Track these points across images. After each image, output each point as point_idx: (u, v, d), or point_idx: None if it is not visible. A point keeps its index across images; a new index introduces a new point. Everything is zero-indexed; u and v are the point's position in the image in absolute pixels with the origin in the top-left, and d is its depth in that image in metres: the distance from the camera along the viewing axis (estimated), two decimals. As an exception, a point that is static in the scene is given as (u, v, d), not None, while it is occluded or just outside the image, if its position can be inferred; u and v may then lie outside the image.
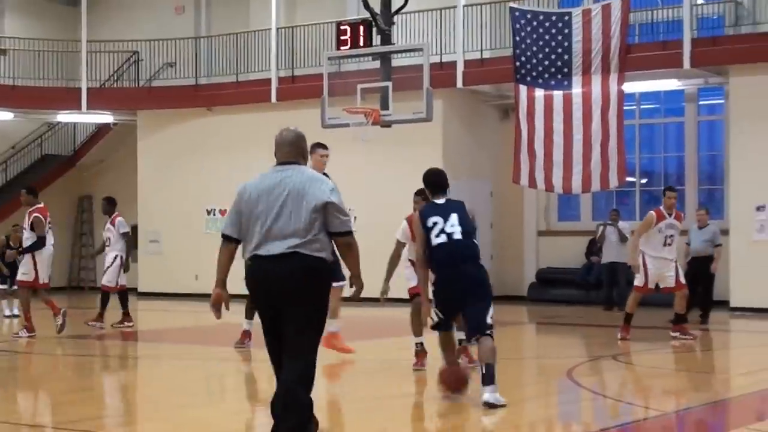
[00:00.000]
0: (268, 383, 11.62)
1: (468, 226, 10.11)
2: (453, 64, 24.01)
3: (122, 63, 30.06)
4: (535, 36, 22.35)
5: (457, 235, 9.91)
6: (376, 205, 24.25)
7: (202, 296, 24.43)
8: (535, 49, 22.38)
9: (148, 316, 18.98)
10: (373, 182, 24.78)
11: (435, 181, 10.44)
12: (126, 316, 18.16)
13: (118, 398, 10.94)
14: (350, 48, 19.71)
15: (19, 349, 15.42)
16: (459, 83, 24.02)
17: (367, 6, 19.31)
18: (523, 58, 22.50)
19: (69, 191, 32.17)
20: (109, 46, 29.60)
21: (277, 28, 26.83)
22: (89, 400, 10.60)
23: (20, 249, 16.74)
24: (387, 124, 19.83)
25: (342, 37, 19.94)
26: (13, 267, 20.30)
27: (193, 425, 9.15)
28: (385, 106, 19.05)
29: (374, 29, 19.46)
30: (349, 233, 7.31)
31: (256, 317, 13.74)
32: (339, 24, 20.32)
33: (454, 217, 10.01)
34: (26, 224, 16.60)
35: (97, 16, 30.56)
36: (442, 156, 24.47)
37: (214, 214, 27.63)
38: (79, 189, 32.69)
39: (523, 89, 22.61)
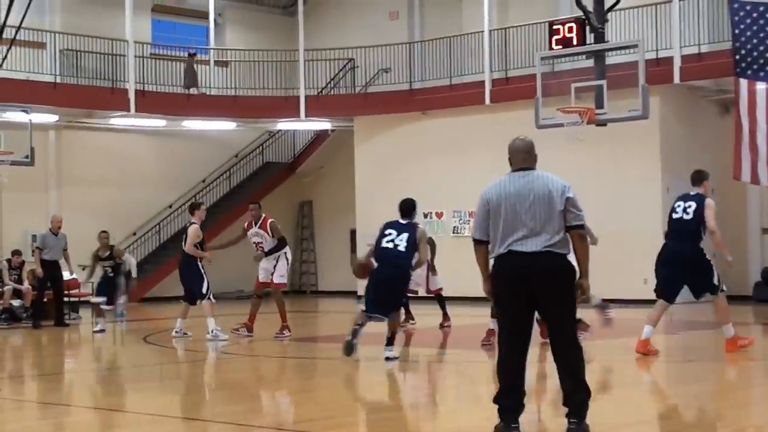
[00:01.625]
0: (486, 385, 11.66)
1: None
2: (669, 60, 23.52)
3: (338, 70, 30.67)
4: (755, 28, 21.70)
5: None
6: (593, 205, 23.95)
7: (422, 299, 24.71)
8: (755, 41, 21.72)
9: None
10: (589, 181, 24.50)
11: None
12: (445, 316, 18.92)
13: (338, 400, 11.15)
14: (563, 47, 19.60)
15: (242, 351, 15.91)
16: (676, 79, 23.51)
17: (579, 4, 19.18)
18: (743, 51, 21.87)
19: (289, 197, 33.03)
20: (325, 54, 30.25)
21: (490, 30, 26.86)
22: (308, 402, 10.84)
23: (267, 252, 17.38)
24: (602, 123, 19.63)
25: (555, 37, 19.87)
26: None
27: (411, 428, 9.26)
28: (600, 104, 18.87)
29: (587, 27, 19.31)
30: (583, 226, 7.96)
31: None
32: (551, 23, 20.24)
33: None
34: (263, 232, 17.49)
35: (312, 25, 31.28)
36: (659, 153, 24.04)
37: (431, 218, 27.85)
38: (300, 195, 33.51)
39: (743, 83, 21.98)
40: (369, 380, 13.16)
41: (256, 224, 17.61)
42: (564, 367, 7.89)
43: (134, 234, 30.26)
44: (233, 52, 31.31)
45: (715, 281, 13.25)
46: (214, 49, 31.06)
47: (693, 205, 13.21)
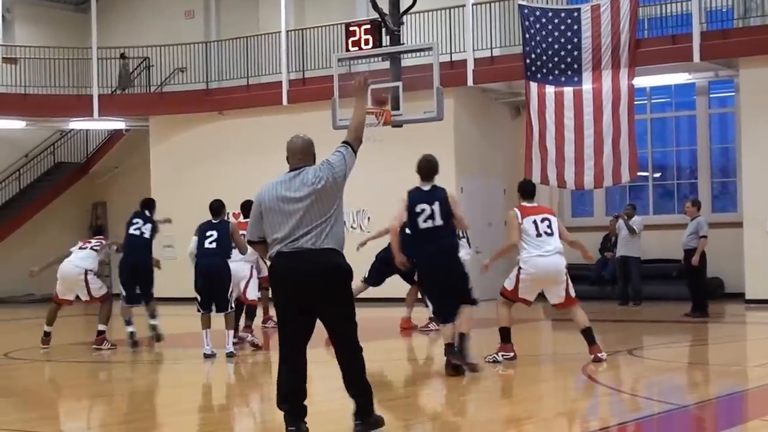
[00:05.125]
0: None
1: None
2: (463, 63, 24.01)
3: (133, 69, 30.14)
4: (544, 33, 22.36)
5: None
6: (389, 205, 24.20)
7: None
8: (544, 45, 22.38)
9: (163, 320, 18.94)
10: (386, 182, 24.77)
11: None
12: None
13: (134, 403, 10.97)
14: (360, 49, 19.73)
15: (39, 357, 15.47)
16: (470, 81, 24.02)
17: (375, 7, 19.33)
18: (533, 55, 22.51)
19: (82, 198, 32.26)
20: (119, 52, 29.64)
21: (287, 31, 26.87)
22: (103, 406, 10.63)
23: None
24: (398, 124, 19.85)
25: (351, 39, 19.97)
26: None
27: (215, 427, 9.20)
28: (395, 106, 19.06)
29: (383, 30, 19.48)
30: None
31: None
32: (348, 25, 20.34)
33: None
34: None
35: (107, 22, 30.64)
36: (454, 154, 24.47)
37: (228, 218, 27.61)
38: (93, 196, 32.77)
39: (533, 86, 22.62)
40: (164, 381, 12.99)
41: None
42: (347, 370, 7.83)
43: None
44: (23, 49, 30.37)
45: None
46: (2, 45, 30.06)
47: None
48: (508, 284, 12.90)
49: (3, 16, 30.13)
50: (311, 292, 7.63)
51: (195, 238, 14.79)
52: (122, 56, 29.19)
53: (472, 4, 24.01)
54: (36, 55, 29.78)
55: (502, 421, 9.33)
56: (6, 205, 30.63)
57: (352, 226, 25.07)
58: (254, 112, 27.32)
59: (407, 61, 20.00)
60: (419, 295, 17.15)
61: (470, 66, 23.95)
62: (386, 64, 19.81)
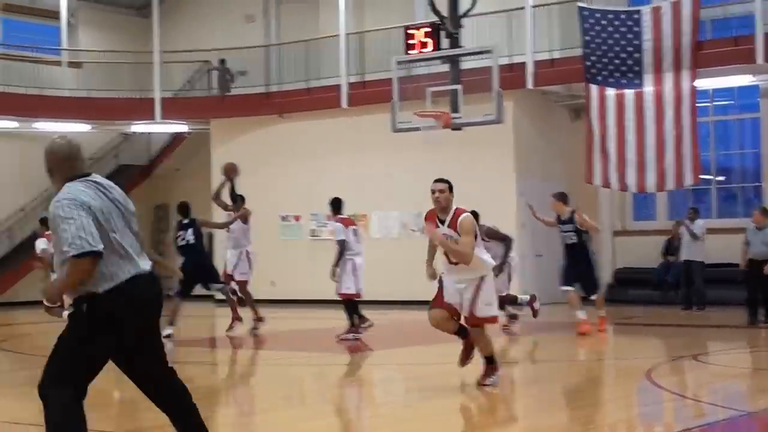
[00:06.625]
0: (342, 388, 11.65)
1: None
2: (522, 66, 23.90)
3: (194, 72, 30.38)
4: (604, 35, 22.23)
5: None
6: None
7: (279, 302, 24.65)
8: (605, 48, 22.25)
9: (225, 322, 19.07)
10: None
11: None
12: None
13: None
14: (419, 52, 19.77)
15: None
16: (529, 84, 23.91)
17: (434, 9, 19.37)
18: (593, 58, 22.38)
19: (145, 200, 32.51)
20: (181, 56, 29.92)
21: (347, 34, 26.92)
22: (127, 404, 10.69)
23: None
24: (458, 127, 19.86)
25: (410, 41, 20.04)
26: None
27: (273, 430, 9.23)
28: (455, 109, 19.09)
29: (442, 32, 19.50)
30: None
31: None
32: (407, 28, 20.39)
33: None
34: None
35: (169, 26, 30.91)
36: (514, 157, 24.41)
37: (289, 221, 27.79)
38: (155, 198, 33.07)
39: (594, 89, 22.50)
40: (226, 382, 13.05)
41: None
42: (179, 406, 6.80)
43: (-16, 238, 29.50)
44: (87, 53, 30.72)
45: None
46: (66, 50, 30.44)
47: None
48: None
49: (68, 21, 30.51)
50: (151, 320, 6.49)
51: None
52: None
53: (532, 6, 23.90)
54: (100, 59, 30.12)
55: (563, 426, 9.28)
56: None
57: (411, 230, 25.06)
58: (314, 115, 27.42)
59: (466, 64, 19.99)
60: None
61: (530, 68, 23.83)
62: (445, 67, 19.85)
